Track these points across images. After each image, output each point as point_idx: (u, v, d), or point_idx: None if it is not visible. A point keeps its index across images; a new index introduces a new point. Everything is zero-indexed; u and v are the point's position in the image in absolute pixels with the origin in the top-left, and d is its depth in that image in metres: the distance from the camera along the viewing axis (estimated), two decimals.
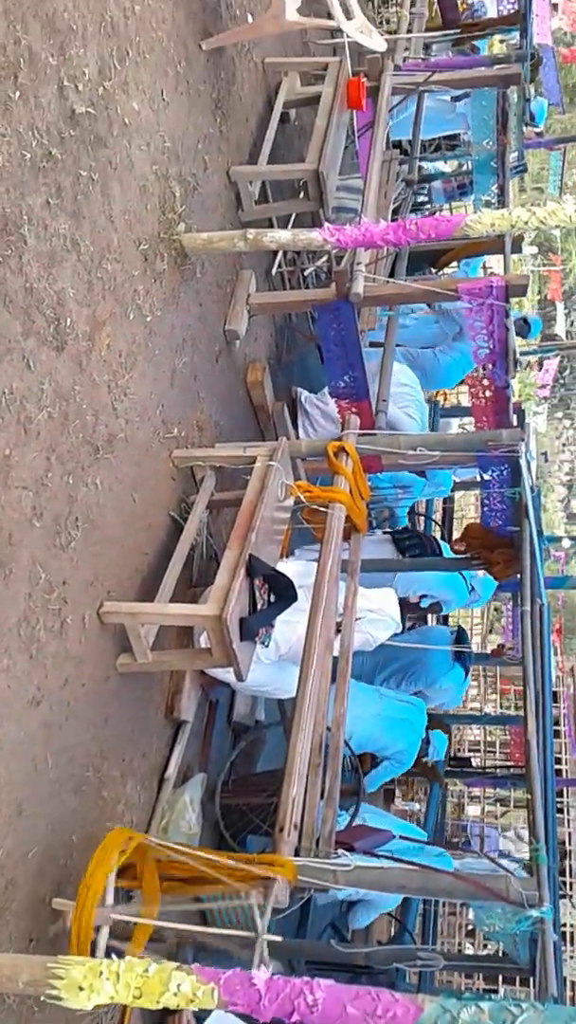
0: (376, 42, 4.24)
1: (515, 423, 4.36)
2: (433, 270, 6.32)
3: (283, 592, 3.05)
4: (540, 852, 2.67)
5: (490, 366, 4.20)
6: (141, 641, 2.98)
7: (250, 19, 4.50)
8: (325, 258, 5.42)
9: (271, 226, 4.85)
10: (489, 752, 8.79)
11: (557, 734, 8.20)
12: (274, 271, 5.03)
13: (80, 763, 2.87)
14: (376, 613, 3.57)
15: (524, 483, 3.81)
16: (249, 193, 4.40)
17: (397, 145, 6.20)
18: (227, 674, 3.29)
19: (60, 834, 2.74)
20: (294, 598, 3.10)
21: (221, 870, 2.33)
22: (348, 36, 4.08)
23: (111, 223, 3.11)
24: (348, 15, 4.18)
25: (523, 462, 3.73)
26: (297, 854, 2.58)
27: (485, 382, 4.24)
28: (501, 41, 7.87)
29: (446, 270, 6.53)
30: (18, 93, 2.54)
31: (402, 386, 4.91)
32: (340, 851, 2.71)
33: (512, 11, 7.16)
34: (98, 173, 3.00)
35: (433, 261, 6.13)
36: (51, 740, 2.70)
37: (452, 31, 7.52)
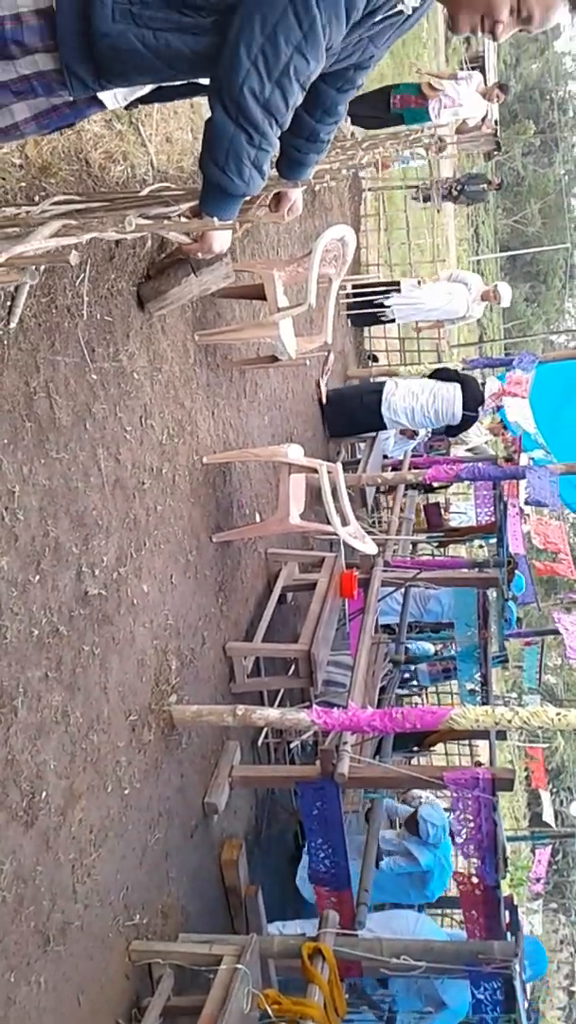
0: (368, 547, 4.73)
1: (507, 919, 4.01)
2: (416, 748, 6.35)
3: None
4: None
5: (478, 861, 3.99)
6: None
7: (258, 519, 5.09)
8: (312, 731, 5.46)
9: (261, 698, 4.98)
10: None
11: None
12: (260, 741, 5.03)
13: None
14: None
15: (520, 1009, 3.38)
16: (243, 667, 4.58)
17: (386, 627, 6.62)
18: None
19: None
20: None
21: None
22: (343, 540, 4.57)
23: (104, 695, 3.17)
24: (344, 522, 4.71)
25: (518, 983, 3.35)
26: None
27: (474, 880, 3.99)
28: (480, 546, 8.84)
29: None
30: (38, 577, 2.75)
31: None
32: None
33: (489, 520, 8.13)
34: (100, 648, 3.14)
35: (419, 740, 6.17)
36: None
37: (436, 534, 8.52)
